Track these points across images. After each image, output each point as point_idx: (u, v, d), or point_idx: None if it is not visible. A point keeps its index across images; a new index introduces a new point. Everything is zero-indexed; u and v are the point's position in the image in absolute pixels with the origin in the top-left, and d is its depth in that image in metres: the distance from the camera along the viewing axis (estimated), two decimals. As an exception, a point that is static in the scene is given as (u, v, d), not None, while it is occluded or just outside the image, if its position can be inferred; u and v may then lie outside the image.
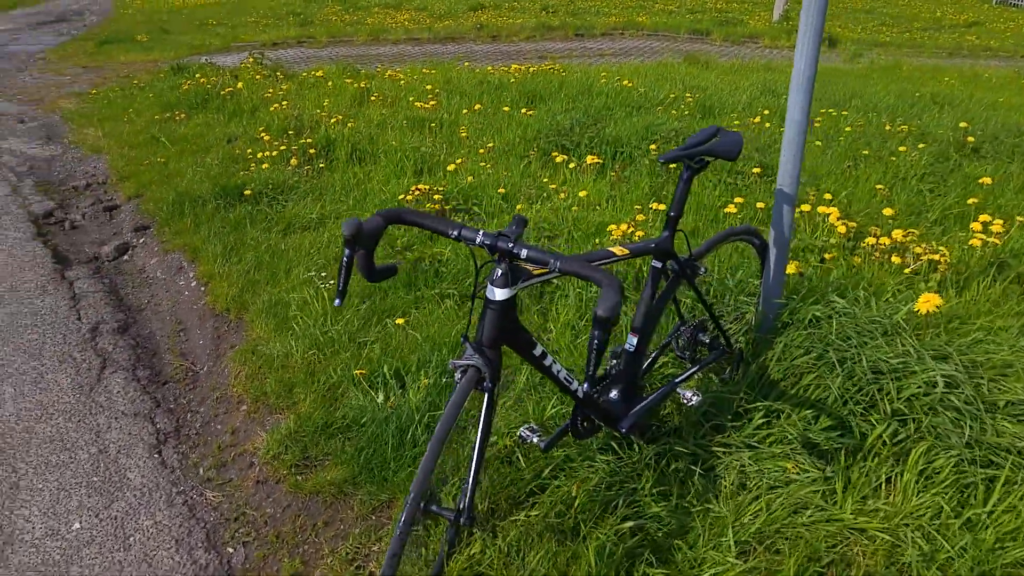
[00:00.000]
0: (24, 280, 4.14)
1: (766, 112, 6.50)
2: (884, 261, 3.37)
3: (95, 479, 2.59)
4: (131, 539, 2.33)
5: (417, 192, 4.31)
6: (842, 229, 3.60)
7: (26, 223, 5.05)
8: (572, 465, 2.39)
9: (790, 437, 2.32)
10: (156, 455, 2.73)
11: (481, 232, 1.62)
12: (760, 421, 2.38)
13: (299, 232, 4.40)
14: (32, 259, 4.45)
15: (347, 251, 1.55)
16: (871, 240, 3.45)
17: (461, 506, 1.86)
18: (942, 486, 2.07)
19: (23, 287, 4.06)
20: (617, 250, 2.00)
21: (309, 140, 5.60)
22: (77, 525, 2.38)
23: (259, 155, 5.53)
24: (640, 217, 3.85)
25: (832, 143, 5.56)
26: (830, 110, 6.61)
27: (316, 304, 3.47)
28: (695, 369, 2.41)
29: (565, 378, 1.99)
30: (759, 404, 2.40)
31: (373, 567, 2.19)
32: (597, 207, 4.29)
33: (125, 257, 4.65)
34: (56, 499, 2.49)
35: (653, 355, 2.48)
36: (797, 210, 3.64)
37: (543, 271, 1.73)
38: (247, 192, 4.84)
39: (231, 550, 2.31)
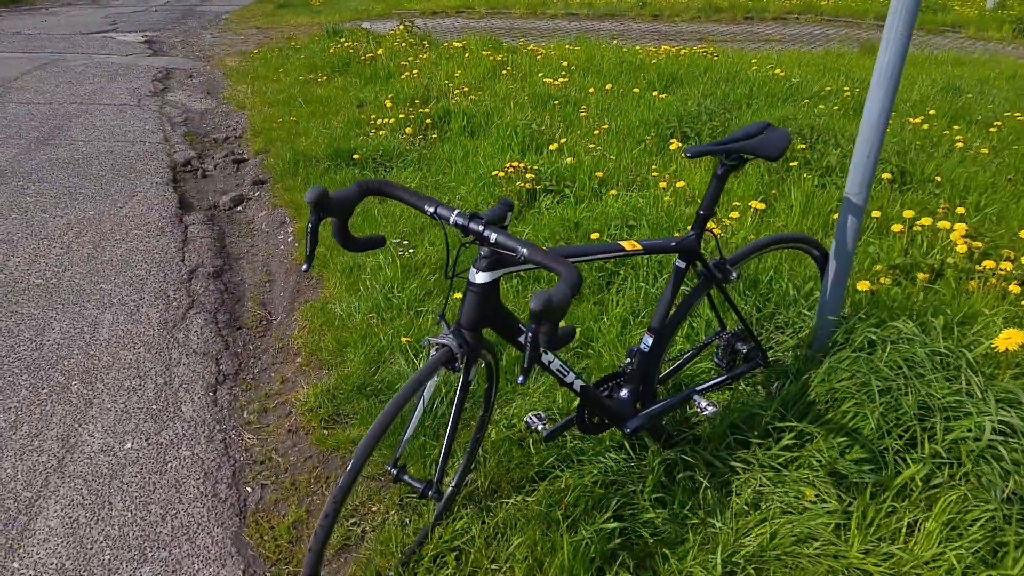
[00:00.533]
0: (148, 220, 4.63)
1: (932, 112, 5.97)
2: (1002, 289, 3.05)
3: (154, 407, 2.89)
4: (169, 465, 2.59)
5: (511, 169, 4.37)
6: (962, 248, 3.29)
7: (166, 169, 5.62)
8: (581, 458, 2.40)
9: (817, 463, 2.19)
10: (211, 393, 3.00)
11: (456, 211, 1.65)
12: (789, 442, 2.27)
13: (390, 202, 4.60)
14: (161, 202, 4.96)
15: (312, 217, 1.62)
16: (990, 263, 3.13)
17: (435, 481, 1.94)
18: (969, 540, 1.88)
19: (146, 226, 4.54)
20: (628, 244, 1.97)
21: (427, 110, 5.81)
22: (128, 445, 2.68)
23: (379, 121, 5.81)
24: (734, 215, 3.70)
25: (1005, 151, 5.02)
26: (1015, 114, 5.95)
27: (387, 270, 3.64)
28: (719, 380, 2.33)
29: (559, 369, 1.99)
30: (791, 424, 2.28)
31: (367, 526, 2.30)
32: (697, 200, 4.16)
33: (239, 208, 5.07)
34: (118, 420, 2.81)
35: (684, 358, 2.42)
36: (919, 223, 3.38)
37: None
38: (356, 156, 5.11)
39: (249, 490, 2.51)
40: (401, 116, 5.78)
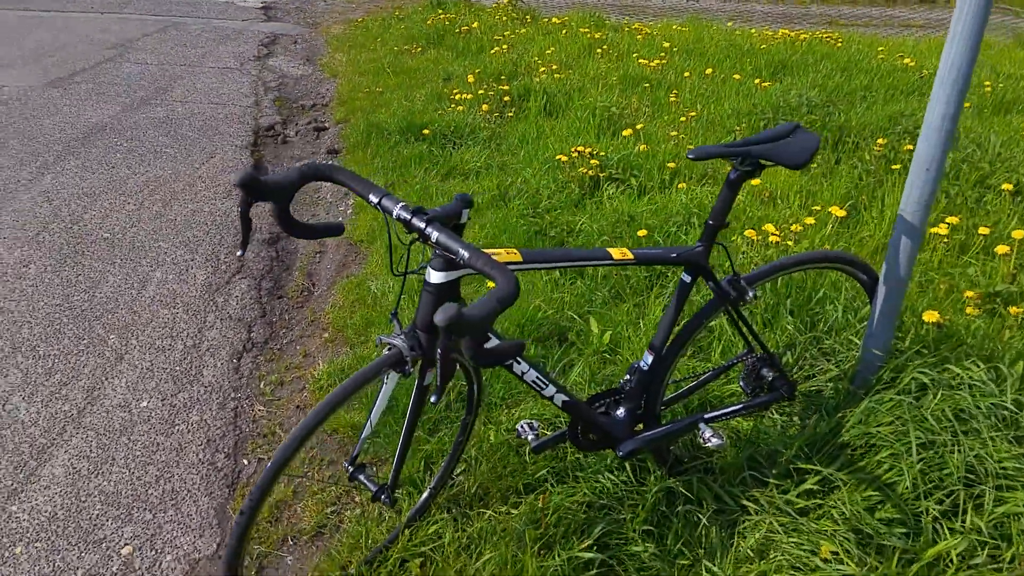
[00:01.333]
0: (218, 183, 4.83)
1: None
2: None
3: (178, 368, 3.01)
4: (176, 428, 2.69)
5: (575, 154, 4.26)
6: (1060, 275, 2.95)
7: (249, 133, 5.83)
8: (579, 473, 2.31)
9: (839, 516, 2.00)
10: (235, 361, 3.10)
11: (401, 204, 1.57)
12: (811, 487, 2.08)
13: (457, 178, 4.61)
14: (235, 166, 5.16)
15: (242, 201, 1.57)
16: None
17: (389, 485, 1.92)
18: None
19: (215, 188, 4.74)
20: (617, 252, 1.85)
21: (507, 87, 5.75)
22: (145, 404, 2.80)
23: (459, 96, 5.81)
24: (808, 220, 3.45)
25: None
26: None
27: (429, 250, 3.63)
28: (730, 409, 2.18)
29: (535, 381, 1.90)
30: (816, 468, 2.10)
31: (347, 515, 2.31)
32: (774, 201, 3.93)
33: (311, 177, 5.19)
34: (142, 377, 2.95)
35: (700, 380, 2.27)
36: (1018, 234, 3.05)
37: None
38: (426, 132, 5.13)
39: (245, 462, 2.58)
40: (480, 92, 5.75)
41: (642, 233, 3.40)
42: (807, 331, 2.64)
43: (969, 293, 2.86)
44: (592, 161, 4.19)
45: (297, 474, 2.48)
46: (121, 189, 4.67)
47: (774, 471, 2.16)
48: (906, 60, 7.06)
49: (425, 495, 2.24)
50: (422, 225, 1.52)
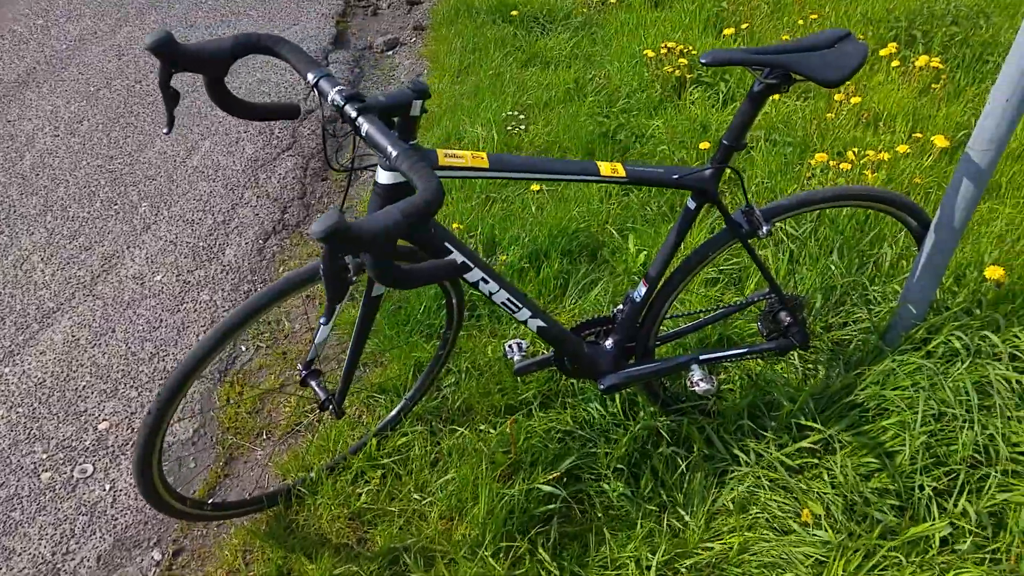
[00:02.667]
0: (293, 53, 4.65)
1: None
2: None
3: (201, 245, 2.94)
4: (183, 305, 2.64)
5: (665, 50, 3.80)
6: None
7: (339, 2, 5.59)
8: (569, 400, 2.12)
9: (832, 479, 1.77)
10: (260, 242, 3.00)
11: (337, 88, 1.32)
12: (809, 444, 1.82)
13: (537, 66, 4.24)
14: (317, 35, 4.96)
15: (161, 70, 1.37)
16: None
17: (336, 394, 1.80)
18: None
19: (288, 59, 4.56)
20: (607, 168, 1.55)
21: (612, -32, 5.21)
22: (159, 277, 2.76)
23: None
24: (902, 148, 2.94)
25: None
26: None
27: (480, 146, 3.37)
28: (730, 352, 1.93)
29: (506, 303, 1.67)
30: (818, 427, 1.82)
31: (325, 415, 2.21)
32: (875, 124, 3.38)
33: (390, 52, 4.95)
34: (163, 250, 2.90)
35: (708, 317, 2.00)
36: None
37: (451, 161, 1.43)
38: (514, 13, 4.74)
39: (243, 348, 2.50)
40: (584, -28, 5.24)
41: (704, 146, 3.00)
42: (852, 273, 2.27)
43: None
44: (680, 60, 3.73)
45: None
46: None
47: (773, 423, 1.90)
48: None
49: (399, 406, 2.10)
50: (353, 114, 1.26)
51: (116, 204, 3.14)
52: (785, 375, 2.11)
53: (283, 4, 5.43)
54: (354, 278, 1.55)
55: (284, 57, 1.41)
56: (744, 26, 4.26)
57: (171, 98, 1.41)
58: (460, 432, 2.05)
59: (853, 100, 3.29)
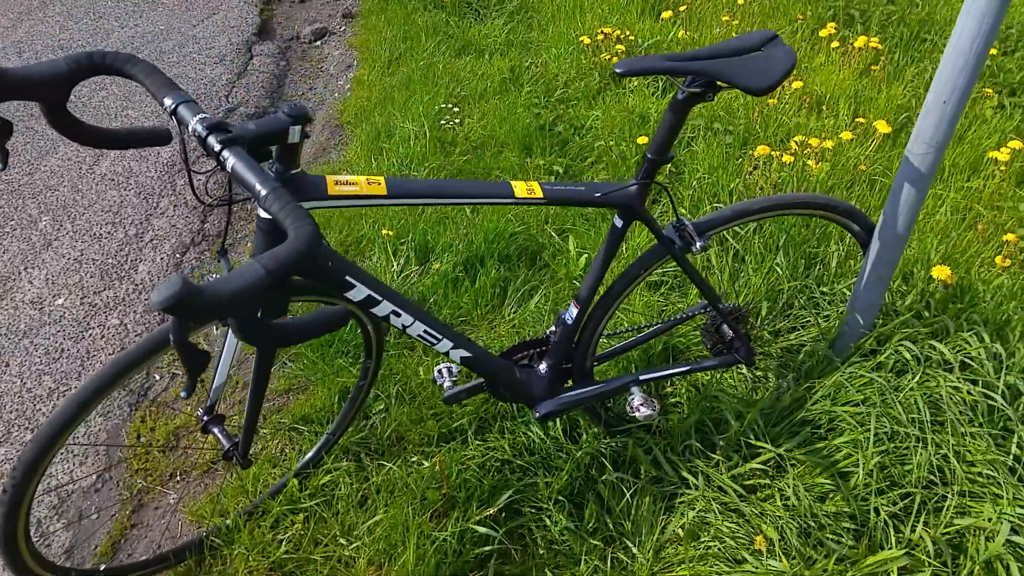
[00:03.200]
0: (215, 44, 4.40)
1: None
2: None
3: (111, 261, 2.74)
4: (89, 332, 2.44)
5: (601, 36, 3.66)
6: None
7: (264, -12, 5.32)
8: (507, 424, 1.98)
9: (784, 502, 1.69)
10: (178, 256, 2.80)
11: (200, 117, 1.14)
12: (758, 466, 1.71)
13: (471, 55, 4.06)
14: (239, 25, 4.70)
15: None
16: None
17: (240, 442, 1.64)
18: None
19: (208, 51, 4.31)
20: (521, 188, 1.41)
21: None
22: (61, 301, 2.54)
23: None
24: (846, 135, 2.85)
25: None
26: None
27: (412, 143, 3.20)
28: (674, 370, 1.84)
29: (423, 335, 1.52)
30: (767, 447, 1.72)
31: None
32: (818, 107, 3.30)
33: (318, 43, 4.72)
34: (66, 270, 2.69)
35: (646, 333, 1.89)
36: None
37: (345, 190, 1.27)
38: (446, 0, 4.55)
39: (157, 377, 2.31)
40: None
41: (642, 140, 2.88)
42: (799, 276, 2.18)
43: (1010, 237, 2.32)
44: (618, 46, 3.59)
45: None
46: (104, 43, 4.28)
47: (722, 442, 1.81)
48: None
49: (321, 441, 1.94)
50: (217, 147, 1.08)
51: (12, 219, 2.88)
52: (735, 386, 2.01)
53: (202, -8, 5.14)
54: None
55: (136, 78, 1.22)
56: (683, 8, 4.14)
57: (2, 131, 1.20)
58: (389, 467, 1.90)
59: (795, 84, 3.20)
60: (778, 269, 2.18)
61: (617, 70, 1.30)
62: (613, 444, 1.90)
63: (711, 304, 1.75)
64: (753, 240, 2.33)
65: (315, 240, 0.93)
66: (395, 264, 2.56)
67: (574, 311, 1.64)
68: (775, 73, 1.37)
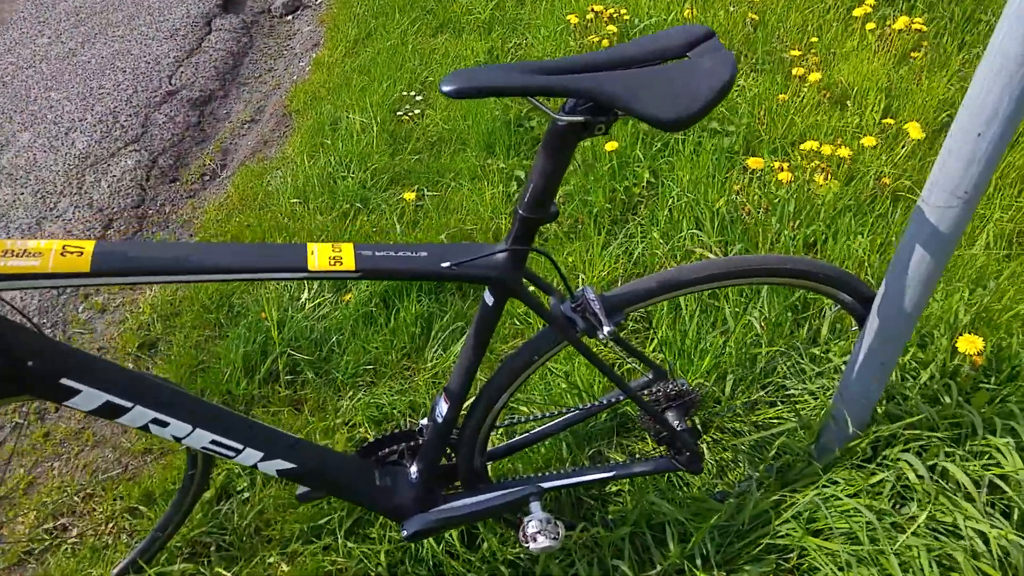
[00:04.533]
0: (169, 17, 4.01)
1: None
2: None
3: None
4: None
5: (591, 13, 3.18)
6: None
7: (240, -44, 4.91)
8: (384, 524, 1.55)
9: None
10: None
11: None
12: None
13: (448, 34, 3.62)
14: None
15: None
16: None
17: None
18: None
19: (160, 24, 3.92)
20: (322, 254, 0.98)
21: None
22: None
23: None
24: (868, 140, 2.36)
25: None
26: None
27: (360, 137, 2.78)
28: (590, 477, 1.39)
29: (211, 447, 1.09)
30: None
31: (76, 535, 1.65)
32: (841, 103, 2.80)
33: (289, 17, 4.30)
34: None
35: (555, 424, 1.43)
36: None
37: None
38: (427, -31, 4.09)
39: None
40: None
41: (610, 146, 2.41)
42: (783, 337, 1.71)
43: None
44: (609, 27, 3.11)
45: None
46: (43, 17, 3.92)
47: (660, 566, 1.35)
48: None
49: (146, 540, 1.52)
50: None
51: None
52: (684, 479, 1.56)
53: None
54: None
55: None
56: (691, -17, 3.62)
57: None
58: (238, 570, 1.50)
59: (812, 77, 2.68)
60: (755, 324, 1.71)
61: (443, 88, 0.84)
62: (520, 553, 1.47)
63: (627, 394, 1.29)
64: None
65: None
66: (304, 293, 2.15)
67: (443, 407, 1.21)
68: (700, 95, 0.89)
